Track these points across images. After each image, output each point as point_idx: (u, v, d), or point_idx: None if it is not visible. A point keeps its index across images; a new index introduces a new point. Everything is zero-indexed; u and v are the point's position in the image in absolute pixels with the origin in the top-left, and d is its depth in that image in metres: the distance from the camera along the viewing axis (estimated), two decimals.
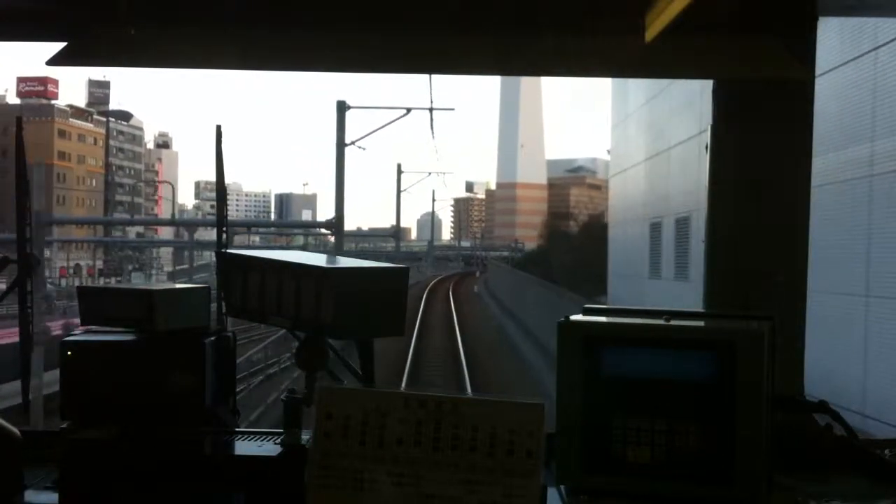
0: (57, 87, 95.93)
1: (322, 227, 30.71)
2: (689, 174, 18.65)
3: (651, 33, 2.00)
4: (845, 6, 2.54)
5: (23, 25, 2.13)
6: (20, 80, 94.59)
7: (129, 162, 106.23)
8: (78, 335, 1.88)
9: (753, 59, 2.09)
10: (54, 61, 2.06)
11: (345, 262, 1.90)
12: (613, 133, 29.70)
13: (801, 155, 2.18)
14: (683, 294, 18.66)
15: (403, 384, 18.54)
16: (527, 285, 30.45)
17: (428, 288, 41.31)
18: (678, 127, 19.94)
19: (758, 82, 2.16)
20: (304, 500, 1.49)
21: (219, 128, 2.07)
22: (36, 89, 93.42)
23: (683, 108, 19.66)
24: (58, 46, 2.06)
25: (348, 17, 2.10)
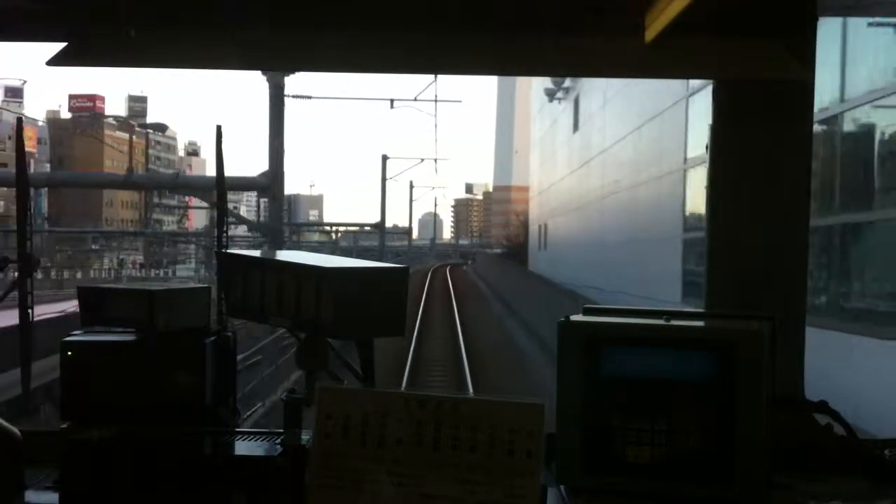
0: (104, 103, 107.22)
1: (370, 227, 48.77)
2: (548, 203, 40.37)
3: (651, 33, 1.99)
4: (845, 6, 2.54)
5: (23, 25, 2.13)
6: (71, 97, 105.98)
7: (165, 168, 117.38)
8: (78, 335, 1.88)
9: (753, 60, 2.09)
10: (54, 61, 2.06)
11: (345, 262, 1.90)
12: (532, 178, 52.42)
13: (801, 155, 2.18)
14: (543, 254, 41.31)
15: (419, 313, 26.67)
16: (492, 262, 59.15)
17: (431, 269, 63.43)
18: (549, 177, 40.58)
19: (758, 82, 2.16)
20: (304, 501, 1.49)
21: (219, 128, 2.07)
22: (85, 105, 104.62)
23: (553, 171, 38.88)
24: (58, 46, 2.06)
25: (348, 17, 2.10)
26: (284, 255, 1.94)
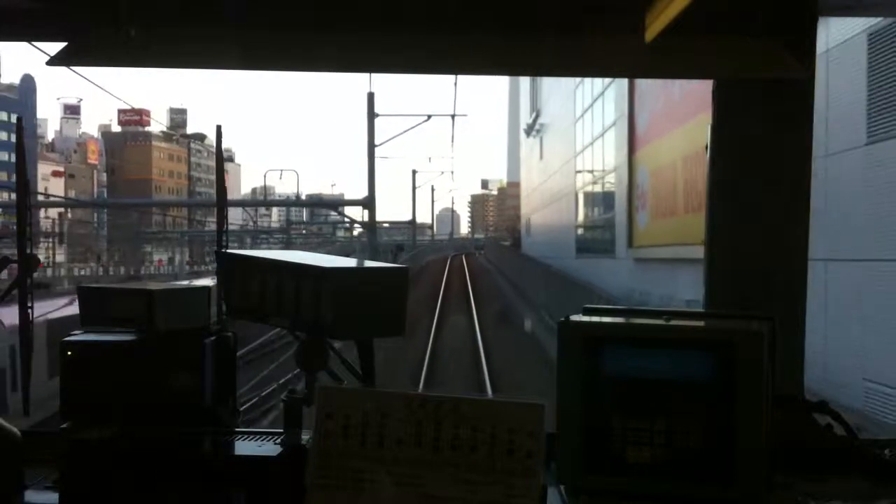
0: (150, 117, 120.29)
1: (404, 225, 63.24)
2: (530, 204, 59.58)
3: (651, 33, 1.99)
4: (845, 6, 2.54)
5: (23, 25, 2.13)
6: (120, 111, 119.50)
7: (205, 174, 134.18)
8: (78, 335, 1.88)
9: (753, 59, 2.09)
10: (54, 61, 2.06)
11: (345, 262, 1.90)
12: (523, 184, 70.59)
13: (801, 155, 2.18)
14: (528, 240, 58.27)
15: (446, 271, 52.90)
16: (497, 249, 79.50)
17: (451, 256, 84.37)
18: (531, 185, 59.08)
19: (758, 82, 2.16)
20: (304, 500, 1.49)
21: (219, 128, 2.07)
22: (133, 119, 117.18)
23: (532, 181, 57.09)
24: (58, 46, 2.06)
25: (348, 17, 2.10)
26: (284, 255, 1.94)
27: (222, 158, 2.08)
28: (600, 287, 23.37)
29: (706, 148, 2.22)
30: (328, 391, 1.55)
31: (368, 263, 1.98)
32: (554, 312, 21.00)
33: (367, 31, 2.10)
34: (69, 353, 1.81)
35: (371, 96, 28.82)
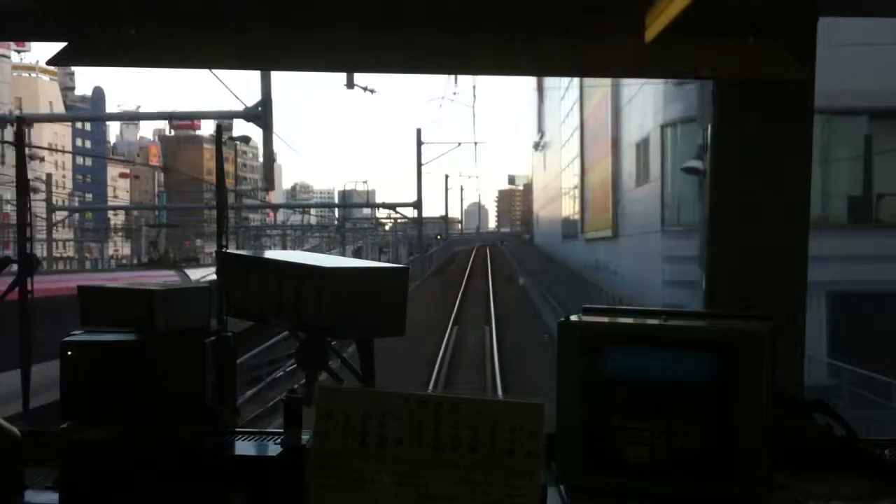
0: (200, 121, 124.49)
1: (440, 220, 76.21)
2: (538, 202, 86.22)
3: (651, 33, 1.99)
4: (845, 6, 2.54)
5: (23, 25, 2.13)
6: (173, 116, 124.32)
7: (250, 174, 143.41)
8: (78, 335, 1.88)
9: (753, 59, 2.09)
10: (54, 61, 2.06)
11: (345, 262, 1.90)
12: (534, 185, 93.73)
13: (801, 155, 2.18)
14: (538, 231, 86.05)
15: (471, 256, 72.20)
16: (516, 240, 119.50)
17: (477, 246, 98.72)
18: (539, 183, 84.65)
19: (758, 82, 2.16)
20: (304, 500, 1.49)
21: (219, 126, 2.07)
22: (185, 123, 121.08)
23: (539, 184, 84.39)
24: (58, 46, 2.07)
25: (348, 17, 2.10)
26: (284, 255, 1.94)
27: (222, 158, 2.08)
28: (569, 260, 38.77)
29: (706, 148, 2.22)
30: (328, 391, 1.55)
31: (368, 263, 1.98)
32: (537, 273, 41.36)
33: (367, 31, 2.10)
34: (69, 353, 1.81)
35: (419, 132, 42.14)
